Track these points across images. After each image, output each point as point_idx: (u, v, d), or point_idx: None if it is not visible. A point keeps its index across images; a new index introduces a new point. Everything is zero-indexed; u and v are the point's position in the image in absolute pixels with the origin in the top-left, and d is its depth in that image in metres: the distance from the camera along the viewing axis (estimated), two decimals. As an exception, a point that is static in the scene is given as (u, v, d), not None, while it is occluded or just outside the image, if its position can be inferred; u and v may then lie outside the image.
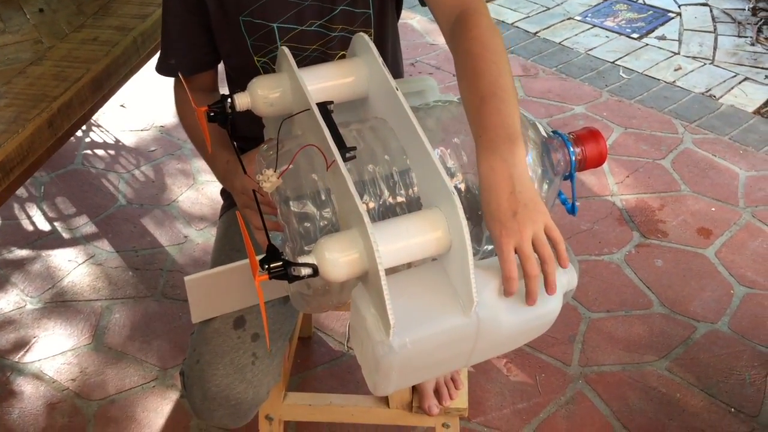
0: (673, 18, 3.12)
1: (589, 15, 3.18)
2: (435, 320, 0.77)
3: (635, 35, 3.01)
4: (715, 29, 3.03)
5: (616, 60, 2.86)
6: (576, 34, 3.05)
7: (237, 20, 1.06)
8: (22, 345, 1.76)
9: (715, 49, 2.90)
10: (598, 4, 3.26)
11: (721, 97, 2.62)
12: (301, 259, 0.73)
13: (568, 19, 3.16)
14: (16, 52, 1.33)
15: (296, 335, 1.53)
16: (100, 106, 1.38)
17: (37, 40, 1.36)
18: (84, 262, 1.98)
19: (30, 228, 2.11)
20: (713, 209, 2.12)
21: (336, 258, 0.74)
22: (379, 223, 0.77)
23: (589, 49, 2.94)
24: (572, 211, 0.95)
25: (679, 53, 2.89)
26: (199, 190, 2.24)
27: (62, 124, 1.22)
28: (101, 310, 1.84)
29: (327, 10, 1.05)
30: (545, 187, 0.91)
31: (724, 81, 2.71)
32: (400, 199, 0.84)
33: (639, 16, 3.15)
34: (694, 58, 2.85)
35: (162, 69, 1.14)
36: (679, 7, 3.19)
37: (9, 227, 2.11)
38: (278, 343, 1.11)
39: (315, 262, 0.73)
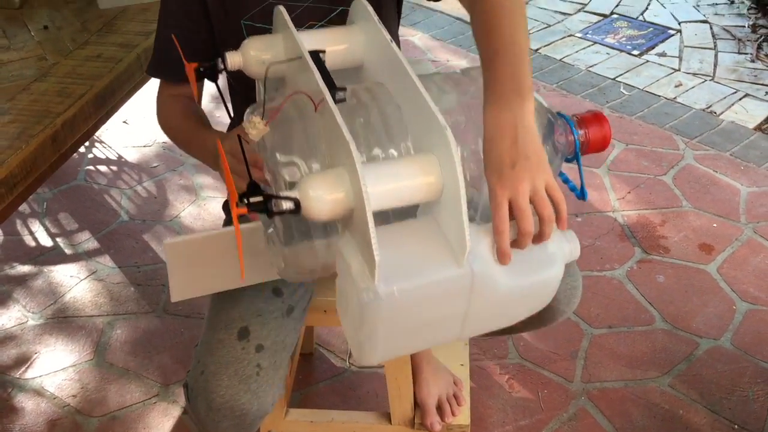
0: (673, 35, 3.14)
1: (590, 32, 3.20)
2: (425, 269, 0.73)
3: (636, 52, 3.03)
4: (715, 46, 3.04)
5: (617, 76, 2.87)
6: (577, 51, 3.06)
7: (239, 24, 1.06)
8: (23, 361, 1.75)
9: (715, 65, 2.91)
10: (599, 21, 3.28)
11: (721, 113, 2.63)
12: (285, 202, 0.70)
13: (569, 36, 3.17)
14: (21, 68, 1.34)
15: (298, 351, 1.53)
16: (104, 122, 1.39)
17: (42, 57, 1.37)
18: (86, 277, 1.99)
19: (32, 244, 2.11)
20: (715, 225, 2.12)
21: (320, 195, 0.70)
22: (369, 164, 0.74)
23: (590, 66, 2.95)
24: (582, 195, 0.93)
25: (679, 70, 2.90)
26: (201, 206, 2.25)
27: (66, 140, 1.23)
28: (103, 326, 1.84)
29: (327, 11, 1.06)
30: None
31: (725, 97, 2.71)
32: (392, 151, 0.81)
33: (639, 33, 3.17)
34: (694, 74, 2.86)
35: (154, 70, 1.15)
36: (679, 24, 3.21)
37: (11, 243, 2.11)
38: (282, 354, 1.11)
39: (297, 197, 0.70)
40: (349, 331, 0.77)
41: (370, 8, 0.89)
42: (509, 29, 0.83)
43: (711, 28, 3.17)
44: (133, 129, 2.61)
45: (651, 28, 3.19)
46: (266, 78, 0.86)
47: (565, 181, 0.97)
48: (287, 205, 0.69)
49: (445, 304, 0.75)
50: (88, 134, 1.33)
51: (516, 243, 0.75)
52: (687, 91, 2.76)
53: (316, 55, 0.82)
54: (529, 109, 0.78)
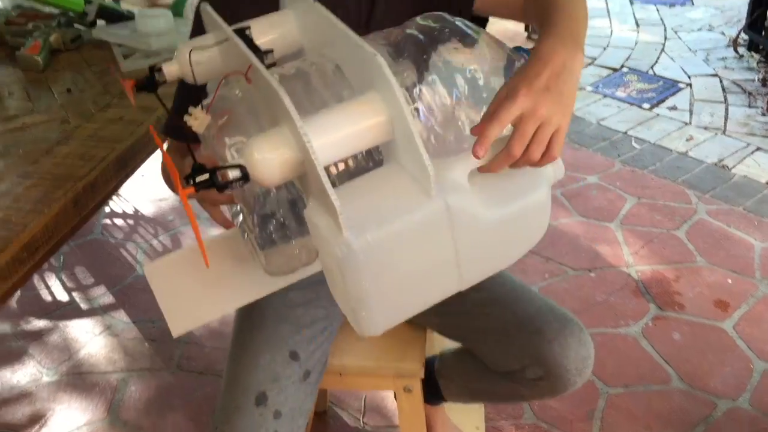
0: (683, 88, 3.17)
1: (600, 85, 3.24)
2: (395, 210, 0.67)
3: (646, 105, 3.06)
4: (725, 100, 3.07)
5: (628, 130, 2.89)
6: (588, 104, 3.09)
7: None
8: (37, 419, 1.75)
9: (726, 119, 2.93)
10: (609, 74, 3.32)
11: (733, 167, 2.64)
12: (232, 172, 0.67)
13: (580, 89, 3.21)
14: (44, 131, 1.36)
15: (312, 410, 1.52)
16: (124, 183, 1.41)
17: (65, 120, 1.40)
18: (101, 333, 1.99)
19: (48, 298, 2.12)
20: (729, 281, 2.11)
21: (265, 156, 0.66)
22: (310, 117, 0.69)
23: (601, 119, 2.98)
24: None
25: (690, 123, 2.92)
26: (216, 260, 2.26)
27: (87, 203, 1.25)
28: (117, 383, 1.84)
29: None
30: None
31: (737, 151, 2.73)
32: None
33: (649, 87, 3.20)
34: (705, 128, 2.88)
35: (164, 127, 1.17)
36: (689, 77, 3.25)
37: (28, 297, 2.13)
38: (299, 421, 1.11)
39: (243, 163, 0.67)
40: (342, 303, 0.73)
41: None
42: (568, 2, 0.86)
43: (721, 81, 3.20)
44: (150, 182, 2.64)
45: (661, 82, 3.23)
46: (191, 65, 0.83)
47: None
48: (234, 173, 0.66)
49: (428, 245, 0.69)
50: (109, 195, 1.35)
51: (491, 163, 0.73)
52: (698, 144, 2.78)
53: (241, 32, 0.80)
54: (580, 60, 0.77)
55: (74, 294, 2.14)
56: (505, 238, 0.75)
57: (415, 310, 0.74)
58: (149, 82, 0.85)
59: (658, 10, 3.95)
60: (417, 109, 0.80)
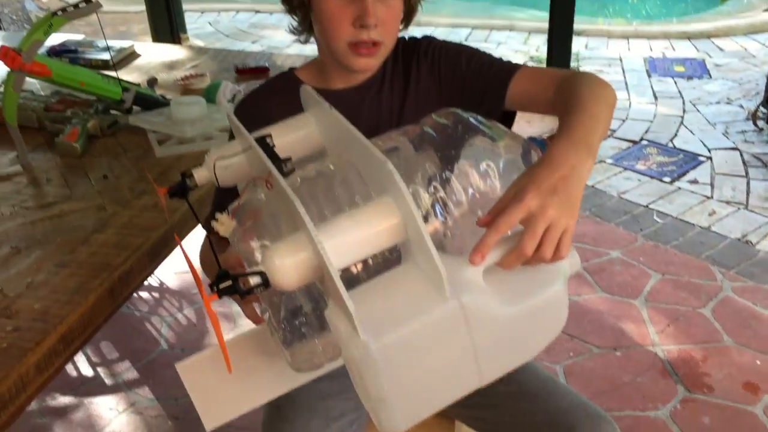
0: (704, 162, 3.18)
1: (620, 158, 3.26)
2: (410, 311, 0.70)
3: (667, 179, 3.07)
4: (746, 173, 3.08)
5: (650, 203, 2.90)
6: (608, 177, 3.11)
7: None
8: (60, 500, 1.74)
9: (748, 193, 2.94)
10: (629, 147, 3.35)
11: (758, 243, 2.63)
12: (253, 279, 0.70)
13: (600, 162, 3.24)
14: (81, 219, 1.40)
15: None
16: (157, 268, 1.43)
17: (101, 207, 1.43)
18: (124, 410, 1.99)
19: (74, 373, 2.13)
20: (758, 362, 2.08)
21: (283, 262, 0.69)
22: (326, 222, 0.73)
23: (622, 193, 2.99)
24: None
25: (712, 197, 2.93)
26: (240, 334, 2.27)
27: (122, 292, 1.27)
28: (140, 463, 1.83)
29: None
30: None
31: (760, 227, 2.72)
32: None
33: (670, 160, 3.22)
34: (727, 202, 2.89)
35: (206, 223, 1.21)
36: (709, 151, 3.27)
37: (53, 372, 2.14)
38: None
39: (263, 269, 0.70)
40: (364, 401, 0.74)
41: (311, 90, 0.92)
42: (588, 98, 0.90)
43: (741, 155, 3.22)
44: (174, 254, 2.67)
45: (681, 155, 3.25)
46: (215, 173, 0.89)
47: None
48: (254, 280, 0.70)
49: (445, 344, 0.71)
50: (142, 282, 1.37)
51: (503, 260, 0.75)
52: (721, 219, 2.78)
53: (262, 140, 0.85)
54: (590, 165, 0.80)
55: (99, 369, 2.15)
56: (523, 333, 0.77)
57: (437, 408, 0.76)
58: (181, 187, 0.90)
59: (675, 82, 4.00)
60: (435, 205, 0.83)
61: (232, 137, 1.13)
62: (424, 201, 0.82)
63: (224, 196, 1.13)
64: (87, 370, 2.14)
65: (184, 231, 1.44)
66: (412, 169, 0.84)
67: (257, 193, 0.87)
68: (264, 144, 0.85)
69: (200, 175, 0.90)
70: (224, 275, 0.70)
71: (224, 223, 0.81)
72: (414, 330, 0.69)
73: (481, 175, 0.85)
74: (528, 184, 0.76)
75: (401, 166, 0.82)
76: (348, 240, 0.70)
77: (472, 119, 0.91)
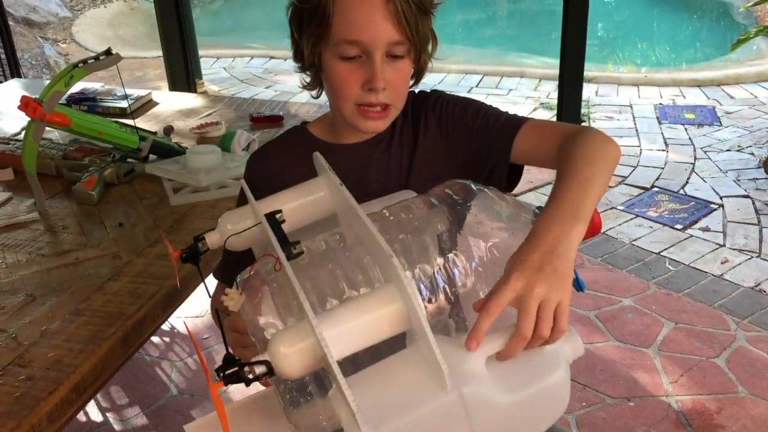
0: (715, 209, 3.18)
1: (632, 205, 3.26)
2: (411, 403, 0.70)
3: (679, 226, 3.07)
4: (759, 221, 3.07)
5: (662, 251, 2.89)
6: (620, 224, 3.11)
7: None
8: None
9: (760, 241, 2.93)
10: (640, 194, 3.35)
11: (771, 292, 2.61)
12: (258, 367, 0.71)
13: (611, 208, 3.24)
14: (96, 266, 1.41)
15: None
16: (170, 316, 1.44)
17: (116, 255, 1.45)
18: (134, 457, 1.98)
19: (83, 419, 2.13)
20: (774, 414, 2.05)
21: (287, 351, 0.70)
22: (330, 310, 0.74)
23: (634, 240, 2.99)
24: (578, 287, 0.90)
25: (724, 245, 2.92)
26: (250, 381, 2.26)
27: (135, 341, 1.28)
28: None
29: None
30: None
31: (773, 275, 2.71)
32: (363, 291, 0.81)
33: (681, 207, 3.22)
34: (740, 250, 2.88)
35: (217, 272, 1.22)
36: (720, 198, 3.26)
37: (63, 417, 2.13)
38: None
39: (268, 359, 0.71)
40: None
41: (322, 158, 0.93)
42: (582, 162, 0.90)
43: (753, 203, 3.21)
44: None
45: (693, 202, 3.25)
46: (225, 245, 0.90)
47: None
48: (260, 369, 0.71)
49: None
50: (155, 331, 1.38)
51: (506, 348, 0.75)
52: (734, 267, 2.77)
53: (272, 217, 0.85)
54: (579, 230, 0.80)
55: (108, 414, 2.15)
56: (524, 418, 0.77)
57: None
58: (193, 252, 0.92)
59: (686, 129, 4.02)
60: (440, 283, 0.83)
61: (241, 197, 1.15)
62: (430, 277, 0.82)
63: (233, 253, 1.14)
64: (97, 416, 2.14)
65: (195, 280, 1.45)
66: (418, 245, 0.85)
67: (267, 266, 0.87)
68: (273, 221, 0.86)
69: (212, 239, 0.92)
70: (230, 360, 0.72)
71: (233, 299, 0.82)
72: (413, 420, 0.70)
73: (488, 253, 0.85)
74: (514, 265, 0.77)
75: (407, 242, 0.83)
76: (350, 330, 0.71)
77: (479, 190, 0.91)
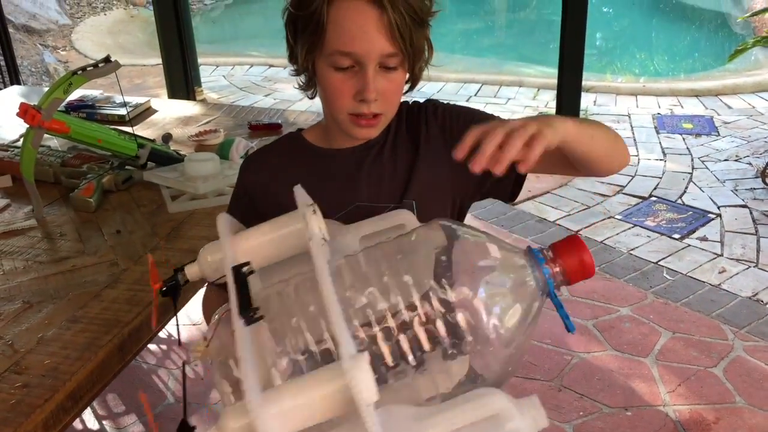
0: (713, 219, 3.18)
1: (630, 214, 3.27)
2: None
3: (676, 236, 3.07)
4: (756, 231, 3.07)
5: (659, 260, 2.90)
6: (617, 233, 3.11)
7: None
8: None
9: (758, 251, 2.93)
10: (638, 203, 3.36)
11: (768, 302, 2.61)
12: None
13: (609, 218, 3.25)
14: (94, 274, 1.41)
15: None
16: (167, 324, 1.44)
17: (113, 262, 1.45)
18: (130, 465, 1.98)
19: (79, 427, 2.12)
20: (772, 425, 2.05)
21: (233, 427, 0.69)
22: (271, 390, 0.69)
23: (632, 249, 2.99)
24: (568, 328, 0.84)
25: (722, 255, 2.92)
26: (247, 389, 2.26)
27: (131, 348, 1.27)
28: None
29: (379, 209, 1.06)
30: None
31: (771, 285, 2.71)
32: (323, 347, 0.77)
33: (679, 217, 3.22)
34: (737, 260, 2.88)
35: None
36: (718, 208, 3.27)
37: (59, 425, 2.13)
38: None
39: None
40: None
41: (301, 191, 0.87)
42: (597, 126, 0.98)
43: (751, 213, 3.22)
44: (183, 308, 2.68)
45: (690, 212, 3.25)
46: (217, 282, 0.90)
47: (558, 305, 0.85)
48: None
49: None
50: (151, 339, 1.38)
51: (479, 155, 0.79)
52: (731, 277, 2.77)
53: (238, 271, 0.81)
54: (571, 123, 0.89)
55: (105, 422, 2.14)
56: None
57: None
58: (173, 285, 0.92)
59: (684, 139, 4.03)
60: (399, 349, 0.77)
61: (231, 207, 1.16)
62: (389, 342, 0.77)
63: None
64: (93, 424, 2.13)
65: (192, 289, 1.45)
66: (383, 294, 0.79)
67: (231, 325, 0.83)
68: (239, 276, 0.81)
69: (191, 271, 0.91)
70: (185, 428, 0.77)
71: (198, 349, 0.83)
72: None
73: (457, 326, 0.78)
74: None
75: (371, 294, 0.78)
76: (289, 406, 0.67)
77: (461, 234, 0.85)
